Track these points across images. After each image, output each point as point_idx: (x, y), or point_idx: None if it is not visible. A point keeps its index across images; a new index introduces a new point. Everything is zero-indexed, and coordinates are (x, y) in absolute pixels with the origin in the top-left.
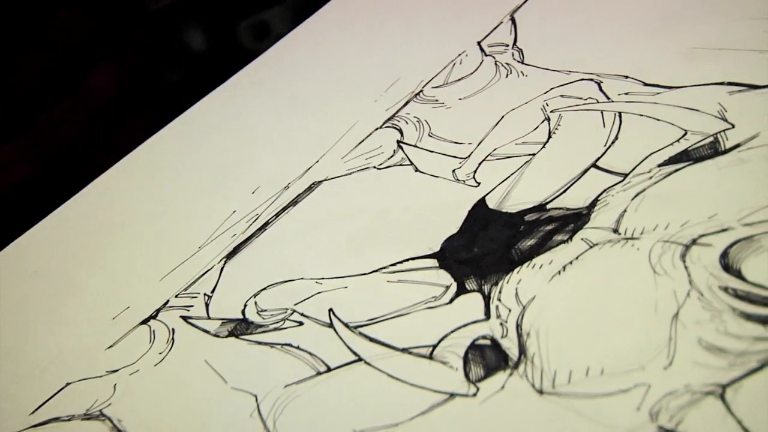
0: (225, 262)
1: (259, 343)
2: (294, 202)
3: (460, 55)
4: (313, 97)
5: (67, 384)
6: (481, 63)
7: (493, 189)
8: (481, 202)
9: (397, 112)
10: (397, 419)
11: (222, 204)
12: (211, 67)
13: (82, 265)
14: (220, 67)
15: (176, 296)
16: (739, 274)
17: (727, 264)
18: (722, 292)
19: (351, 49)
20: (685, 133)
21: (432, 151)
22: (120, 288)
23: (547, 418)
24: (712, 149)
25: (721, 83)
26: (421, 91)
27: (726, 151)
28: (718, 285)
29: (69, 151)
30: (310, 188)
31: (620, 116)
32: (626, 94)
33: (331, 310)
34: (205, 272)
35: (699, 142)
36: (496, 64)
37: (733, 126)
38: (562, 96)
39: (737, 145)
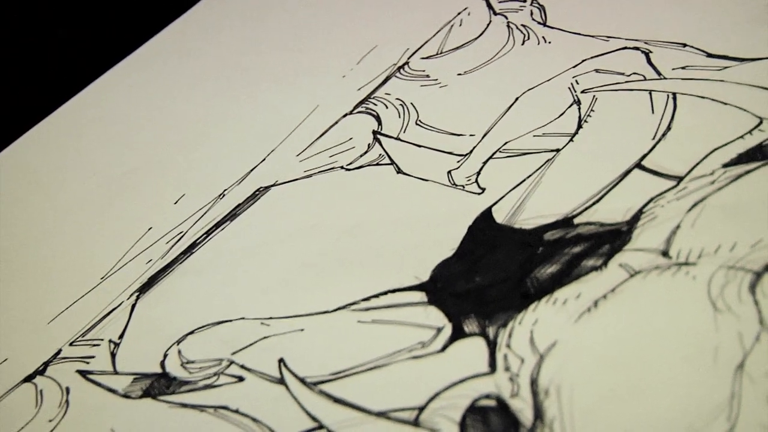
0: (137, 297)
1: (185, 405)
2: (232, 216)
3: (459, 13)
4: (257, 72)
5: None
6: (488, 25)
7: (502, 197)
8: (487, 215)
9: (373, 92)
10: None
11: (133, 219)
12: (118, 29)
13: None
14: (130, 30)
15: (71, 344)
16: None
17: None
18: None
19: (310, 3)
20: (761, 122)
21: (420, 146)
22: None
23: None
24: None
25: None
26: (407, 63)
27: None
28: None
29: None
30: (254, 196)
31: (675, 99)
32: (683, 68)
33: (281, 360)
34: (111, 312)
35: None
36: (508, 26)
37: None
38: (597, 71)
39: None
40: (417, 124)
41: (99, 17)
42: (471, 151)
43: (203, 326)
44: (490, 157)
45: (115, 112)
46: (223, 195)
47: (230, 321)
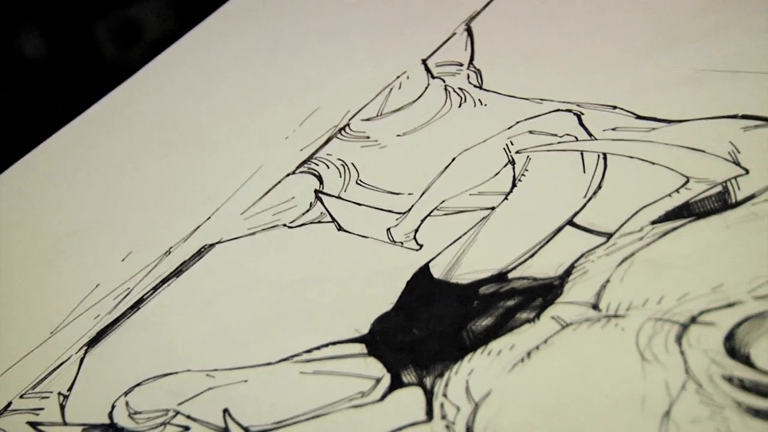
0: (86, 351)
1: None
2: (177, 272)
3: (399, 77)
4: (202, 133)
5: None
6: (426, 88)
7: (439, 253)
8: (424, 271)
9: (315, 152)
10: None
11: (81, 275)
12: (62, 91)
13: None
14: (77, 90)
15: (21, 396)
16: (747, 360)
17: (733, 348)
18: (726, 382)
19: (253, 66)
20: (687, 181)
21: (360, 204)
22: None
23: None
24: (720, 201)
25: (734, 116)
26: (348, 124)
27: (737, 204)
28: (722, 374)
29: None
30: (200, 253)
31: (605, 159)
32: (613, 129)
33: (226, 410)
34: (60, 365)
35: (704, 192)
36: (446, 89)
37: (747, 171)
38: (530, 132)
39: (752, 196)
40: (357, 183)
41: (41, 83)
42: (409, 209)
43: (150, 378)
44: (428, 215)
45: (63, 172)
46: (170, 252)
47: (176, 373)
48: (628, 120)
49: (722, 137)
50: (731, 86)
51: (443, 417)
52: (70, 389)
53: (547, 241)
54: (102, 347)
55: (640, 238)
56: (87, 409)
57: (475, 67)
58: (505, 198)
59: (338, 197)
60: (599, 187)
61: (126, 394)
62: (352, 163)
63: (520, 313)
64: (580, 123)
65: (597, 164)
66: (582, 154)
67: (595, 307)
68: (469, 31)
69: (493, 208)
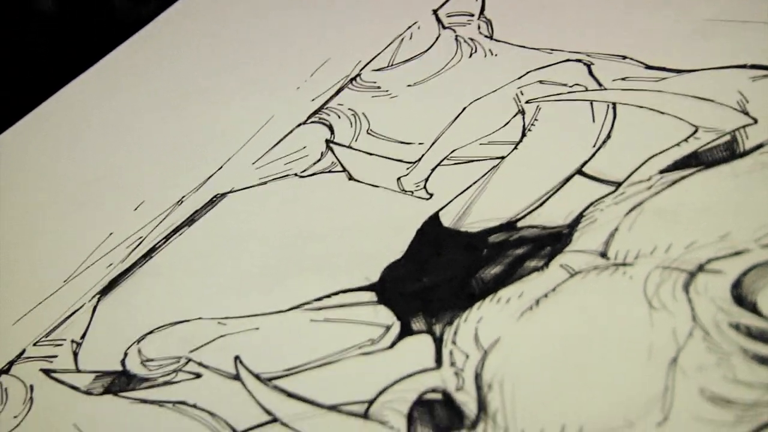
0: (98, 299)
1: (145, 401)
2: (190, 221)
3: (410, 27)
4: (214, 84)
5: None
6: (437, 38)
7: (449, 202)
8: (434, 220)
9: (326, 102)
10: None
11: (94, 224)
12: (73, 45)
13: None
14: (88, 45)
15: (35, 344)
16: (754, 308)
17: (740, 295)
18: (732, 330)
19: (265, 17)
20: (696, 131)
21: (371, 154)
22: None
23: None
24: (729, 151)
25: (743, 66)
26: (359, 75)
27: (745, 153)
28: (728, 322)
29: None
30: (212, 203)
31: (614, 108)
32: (623, 79)
33: (237, 357)
34: (73, 313)
35: (712, 141)
36: (456, 39)
37: (756, 121)
38: (541, 82)
39: (760, 146)
40: (368, 133)
41: (60, 30)
42: (420, 159)
43: (162, 326)
44: (438, 164)
45: (75, 123)
46: (182, 201)
47: (188, 321)
48: (637, 70)
49: (731, 87)
50: (740, 36)
51: (452, 364)
52: (83, 337)
53: (556, 190)
54: (114, 295)
55: (649, 187)
56: (100, 356)
57: (485, 18)
58: (515, 147)
59: (349, 147)
60: (608, 136)
61: (138, 341)
62: (363, 113)
63: (528, 262)
64: (590, 73)
65: (606, 114)
66: (591, 104)
67: (604, 255)
68: None
69: (502, 158)
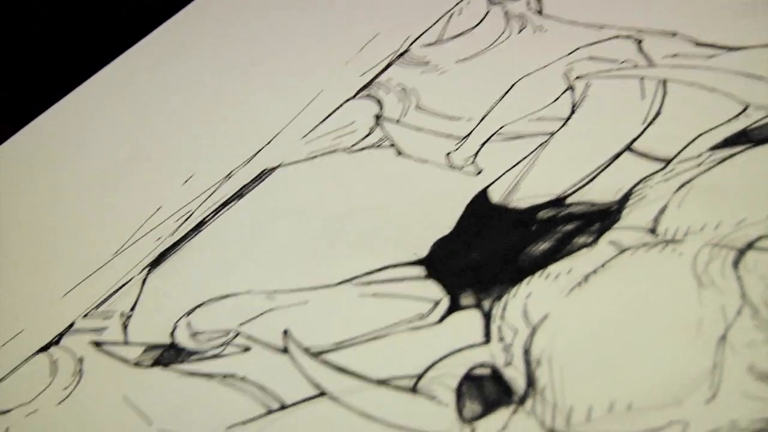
0: (148, 272)
1: (194, 374)
2: (238, 195)
3: (459, 2)
4: (263, 59)
5: None
6: (486, 14)
7: (497, 178)
8: (483, 195)
9: (375, 78)
10: None
11: (143, 198)
12: (126, 18)
13: None
14: (138, 19)
15: (84, 316)
16: None
17: None
18: None
19: None
20: (746, 108)
21: (420, 129)
22: (10, 307)
23: None
24: None
25: None
26: (408, 50)
27: None
28: None
29: None
30: (260, 177)
31: (664, 85)
32: (673, 56)
33: (286, 331)
34: (123, 286)
35: (762, 119)
36: (506, 15)
37: None
38: (590, 58)
39: None
40: (417, 108)
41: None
42: (469, 134)
43: (211, 299)
44: (487, 140)
45: (126, 95)
46: (230, 176)
47: (237, 294)
48: (687, 47)
49: None
50: None
51: (501, 339)
52: (132, 309)
53: (606, 167)
54: (164, 268)
55: (699, 164)
56: (149, 329)
57: None
58: (564, 123)
59: (398, 122)
60: (658, 113)
61: (188, 314)
62: (412, 89)
63: (577, 238)
64: (640, 49)
65: (656, 90)
66: (641, 81)
67: (653, 232)
68: None
69: (552, 134)
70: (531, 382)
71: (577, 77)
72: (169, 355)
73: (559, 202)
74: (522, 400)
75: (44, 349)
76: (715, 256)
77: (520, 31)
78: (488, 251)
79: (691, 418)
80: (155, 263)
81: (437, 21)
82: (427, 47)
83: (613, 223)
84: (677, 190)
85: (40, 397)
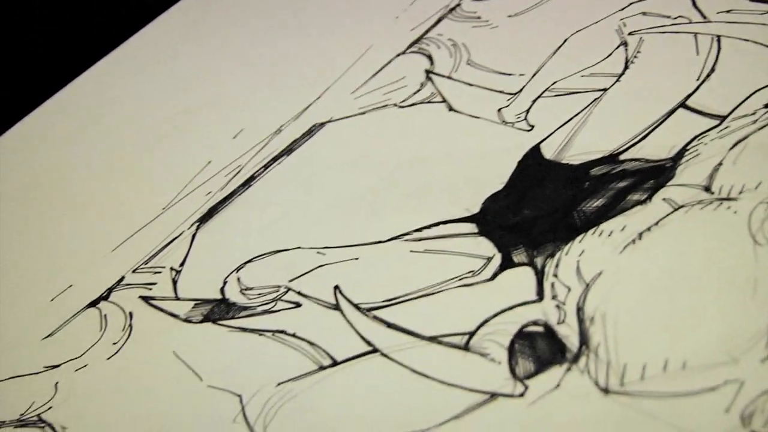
0: (198, 227)
1: (244, 329)
2: (288, 150)
3: None
4: (313, 13)
5: None
6: None
7: (550, 134)
8: (535, 151)
9: (426, 33)
10: (423, 425)
11: (193, 152)
12: None
13: (4, 231)
14: None
15: (134, 271)
16: None
17: None
18: None
19: None
20: None
21: (471, 85)
22: (60, 261)
23: (613, 422)
24: None
25: None
26: (459, 5)
27: None
28: None
29: None
30: (310, 132)
31: (719, 41)
32: (728, 12)
33: (337, 287)
34: (172, 241)
35: None
36: None
37: None
38: (643, 13)
39: None
40: (468, 63)
41: None
42: (521, 90)
43: (261, 255)
44: (540, 96)
45: (176, 50)
46: (280, 130)
47: (287, 250)
48: (742, 2)
49: None
50: None
51: (554, 297)
52: (182, 265)
53: (659, 123)
54: (213, 223)
55: (754, 121)
56: (199, 284)
57: None
58: (618, 80)
59: (449, 77)
60: (712, 69)
61: (237, 270)
62: (463, 44)
63: (631, 195)
64: (694, 5)
65: (710, 46)
66: (695, 36)
67: (707, 189)
68: None
69: (605, 90)
70: (584, 340)
71: (630, 33)
72: (219, 310)
73: (612, 158)
74: (575, 359)
75: (94, 303)
76: None
77: None
78: (541, 208)
79: (747, 377)
80: (205, 218)
81: None
82: (477, 2)
83: (667, 180)
84: (732, 147)
85: (90, 351)
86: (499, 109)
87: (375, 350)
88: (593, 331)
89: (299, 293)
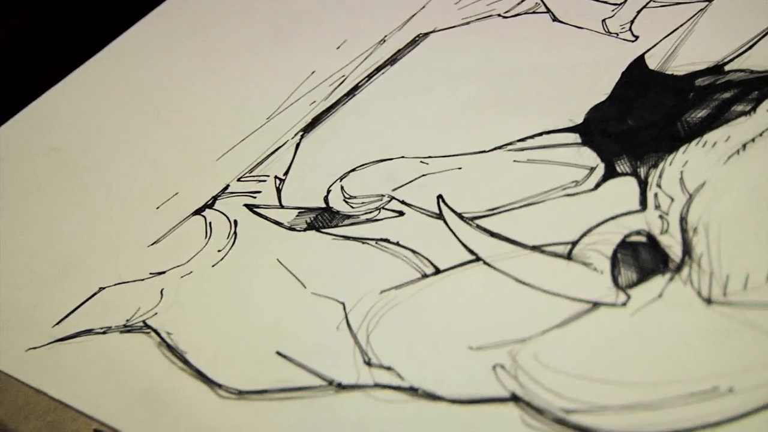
0: (302, 136)
1: (347, 237)
2: (392, 61)
3: None
4: None
5: (101, 289)
6: None
7: (655, 45)
8: (640, 62)
9: None
10: (525, 333)
11: (297, 63)
12: None
13: (112, 139)
14: None
15: (239, 180)
16: None
17: None
18: None
19: None
20: None
21: None
22: (165, 169)
23: (715, 332)
24: None
25: None
26: None
27: None
28: None
29: None
30: (414, 42)
31: None
32: None
33: (440, 196)
34: (276, 149)
35: None
36: None
37: None
38: None
39: None
40: None
41: None
42: (625, 0)
43: (365, 164)
44: (645, 6)
45: None
46: (384, 40)
47: (391, 159)
48: None
49: None
50: None
51: (657, 207)
52: (286, 173)
53: (766, 34)
54: (317, 133)
55: None
56: (302, 192)
57: None
58: None
59: None
60: None
61: (341, 179)
62: None
63: (736, 106)
64: None
65: None
66: None
67: None
68: None
69: (710, 0)
70: (687, 250)
71: None
72: (323, 218)
73: (717, 69)
74: (678, 268)
75: (199, 211)
76: None
77: None
78: (645, 118)
79: None
80: (309, 127)
81: None
82: None
83: None
84: None
85: (195, 259)
86: (604, 20)
87: (478, 259)
88: (696, 242)
89: (402, 202)
